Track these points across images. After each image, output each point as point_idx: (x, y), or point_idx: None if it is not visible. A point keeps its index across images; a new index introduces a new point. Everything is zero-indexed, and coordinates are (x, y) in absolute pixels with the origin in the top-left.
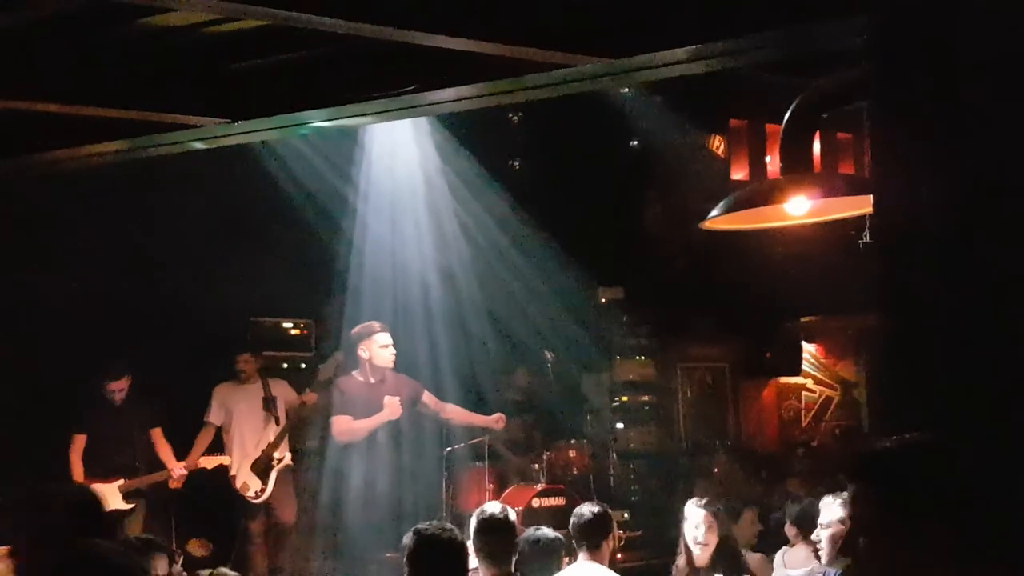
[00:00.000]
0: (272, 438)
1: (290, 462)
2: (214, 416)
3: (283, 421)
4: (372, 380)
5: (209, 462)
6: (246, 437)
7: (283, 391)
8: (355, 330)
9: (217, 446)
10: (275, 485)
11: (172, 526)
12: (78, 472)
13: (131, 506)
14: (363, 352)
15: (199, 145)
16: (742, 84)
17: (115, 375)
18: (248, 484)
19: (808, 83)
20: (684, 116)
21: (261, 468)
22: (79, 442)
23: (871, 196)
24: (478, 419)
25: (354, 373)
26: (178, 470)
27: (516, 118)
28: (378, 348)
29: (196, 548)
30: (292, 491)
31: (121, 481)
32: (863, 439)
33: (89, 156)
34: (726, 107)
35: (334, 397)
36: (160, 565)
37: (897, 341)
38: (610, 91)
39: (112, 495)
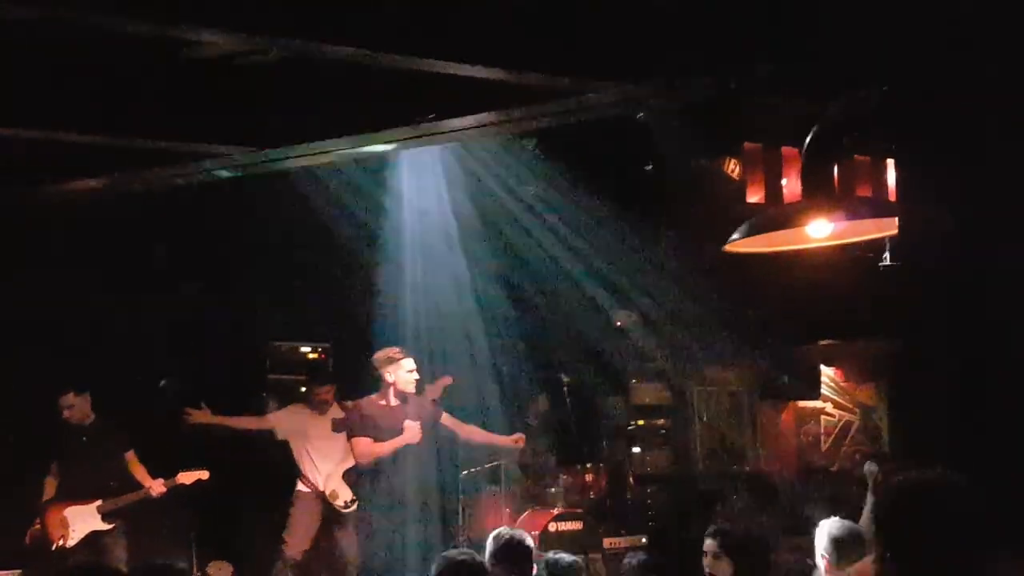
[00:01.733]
0: (349, 499)
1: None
2: (275, 420)
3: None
4: (393, 403)
5: (187, 478)
6: (324, 454)
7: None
8: (379, 354)
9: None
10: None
11: (192, 550)
12: (49, 494)
13: (111, 526)
14: (389, 376)
15: (225, 173)
16: (756, 107)
17: (63, 389)
18: (338, 492)
19: (821, 106)
20: (698, 139)
21: (352, 480)
22: (54, 469)
23: (893, 219)
24: (498, 439)
25: (373, 396)
26: (156, 487)
27: (531, 144)
28: (404, 373)
29: (216, 570)
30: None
31: (99, 502)
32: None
33: (115, 184)
34: (740, 130)
35: (353, 419)
36: None
37: (918, 365)
38: (622, 115)
39: (91, 515)
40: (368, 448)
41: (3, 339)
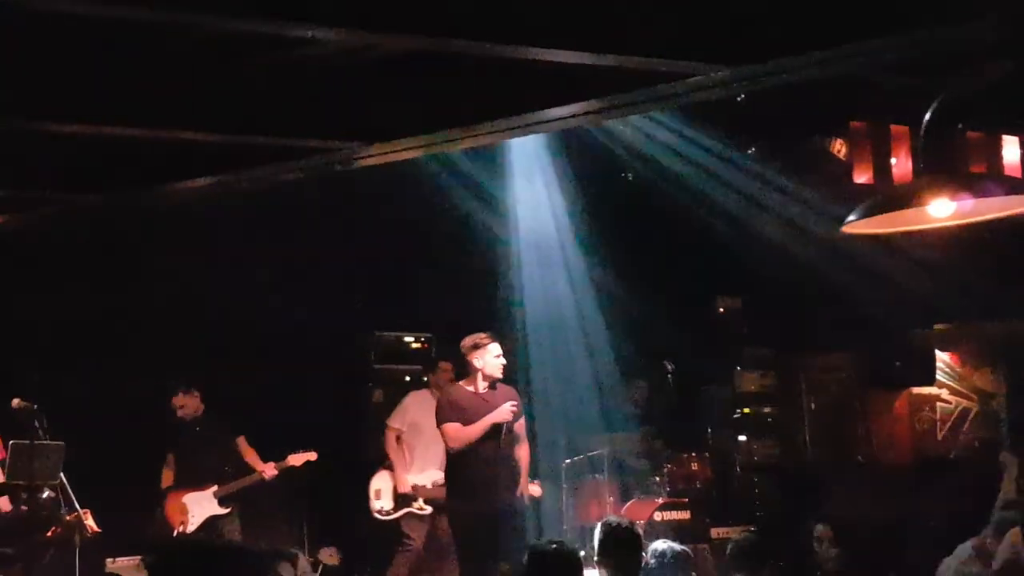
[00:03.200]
0: (429, 484)
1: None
2: (397, 421)
3: None
4: (481, 389)
5: (297, 460)
6: (426, 452)
7: None
8: (466, 341)
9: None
10: (406, 516)
11: (304, 536)
12: (166, 482)
13: (227, 510)
14: (477, 362)
15: (337, 168)
16: (862, 85)
17: (174, 391)
18: (381, 494)
19: (928, 83)
20: (803, 119)
21: (402, 499)
22: (170, 459)
23: (1022, 196)
24: (523, 479)
25: (461, 383)
26: (268, 471)
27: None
28: (492, 358)
29: (327, 557)
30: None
31: (215, 487)
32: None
33: (224, 183)
34: (846, 109)
35: (443, 406)
36: (287, 571)
37: None
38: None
39: (207, 501)
40: (457, 432)
41: (119, 334)
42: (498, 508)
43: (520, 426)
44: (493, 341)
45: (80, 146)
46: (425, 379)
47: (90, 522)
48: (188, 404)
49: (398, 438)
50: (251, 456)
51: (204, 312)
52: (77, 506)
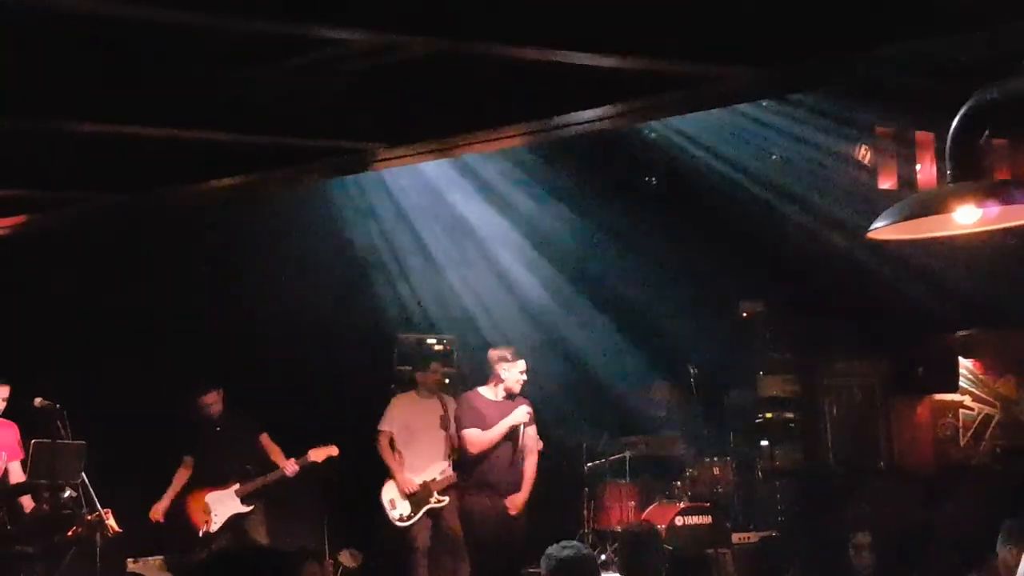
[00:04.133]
0: (439, 476)
1: (442, 503)
2: (387, 424)
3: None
4: (500, 398)
5: (318, 455)
6: (423, 451)
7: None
8: (494, 352)
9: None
10: (421, 517)
11: (325, 536)
12: (179, 482)
13: (250, 508)
14: (503, 373)
15: (361, 168)
16: (887, 91)
17: (204, 390)
18: (396, 503)
19: (954, 88)
20: (827, 125)
21: (417, 499)
22: (187, 462)
23: None
24: (524, 494)
25: (479, 390)
26: (290, 467)
27: (654, 133)
28: (516, 373)
29: (347, 559)
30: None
31: (237, 485)
32: None
33: (250, 184)
34: (871, 115)
35: (463, 411)
36: (312, 572)
37: None
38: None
39: (230, 499)
40: (477, 438)
41: (141, 333)
42: (506, 507)
43: (533, 432)
44: (519, 358)
45: (102, 146)
46: (447, 381)
47: (111, 522)
48: (216, 402)
49: (391, 441)
50: (275, 453)
51: (226, 311)
52: (99, 506)
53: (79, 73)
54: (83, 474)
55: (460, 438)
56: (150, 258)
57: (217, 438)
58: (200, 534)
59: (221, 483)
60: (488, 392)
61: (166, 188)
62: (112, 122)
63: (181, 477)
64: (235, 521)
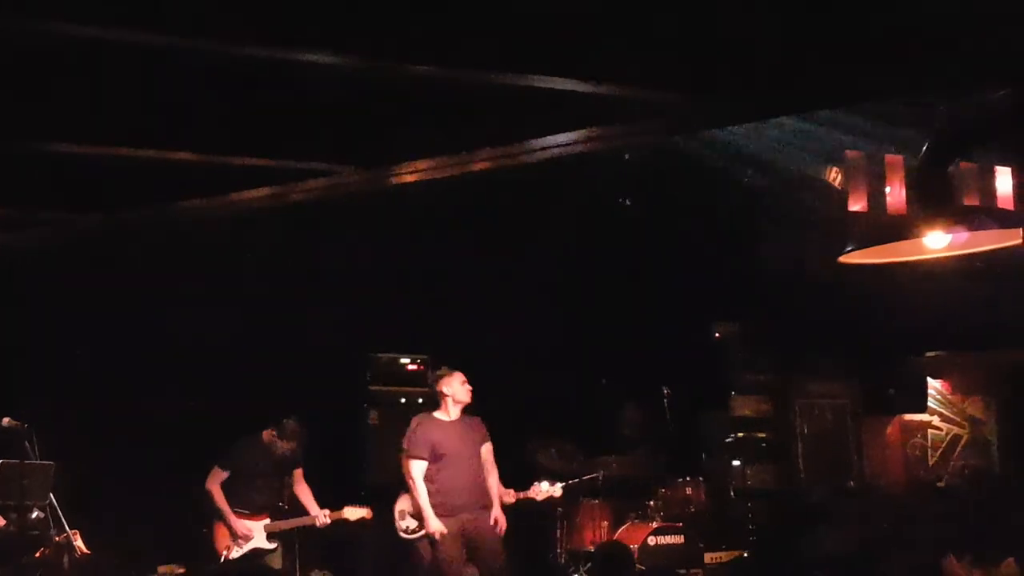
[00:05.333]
0: None
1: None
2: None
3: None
4: (452, 416)
5: (353, 514)
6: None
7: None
8: (434, 374)
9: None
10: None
11: (296, 555)
12: (221, 500)
13: (273, 546)
14: (446, 389)
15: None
16: (857, 113)
17: (289, 436)
18: (405, 512)
19: (924, 111)
20: (799, 148)
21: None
22: (217, 475)
23: (1017, 229)
24: (498, 511)
25: (434, 413)
26: (322, 518)
27: (627, 155)
28: (458, 385)
29: None
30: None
31: (267, 520)
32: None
33: (230, 204)
34: (842, 137)
35: (411, 437)
36: None
37: None
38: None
39: (257, 532)
40: (418, 475)
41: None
42: (477, 524)
43: (488, 451)
44: (455, 370)
45: (73, 166)
46: (420, 400)
47: (79, 543)
48: (286, 446)
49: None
50: (305, 494)
51: (195, 332)
52: (67, 527)
53: (57, 95)
54: (51, 495)
55: (403, 464)
56: (122, 278)
57: (262, 467)
58: (222, 559)
59: (254, 512)
60: (441, 415)
61: (141, 208)
62: (90, 143)
63: (220, 493)
64: (255, 554)
